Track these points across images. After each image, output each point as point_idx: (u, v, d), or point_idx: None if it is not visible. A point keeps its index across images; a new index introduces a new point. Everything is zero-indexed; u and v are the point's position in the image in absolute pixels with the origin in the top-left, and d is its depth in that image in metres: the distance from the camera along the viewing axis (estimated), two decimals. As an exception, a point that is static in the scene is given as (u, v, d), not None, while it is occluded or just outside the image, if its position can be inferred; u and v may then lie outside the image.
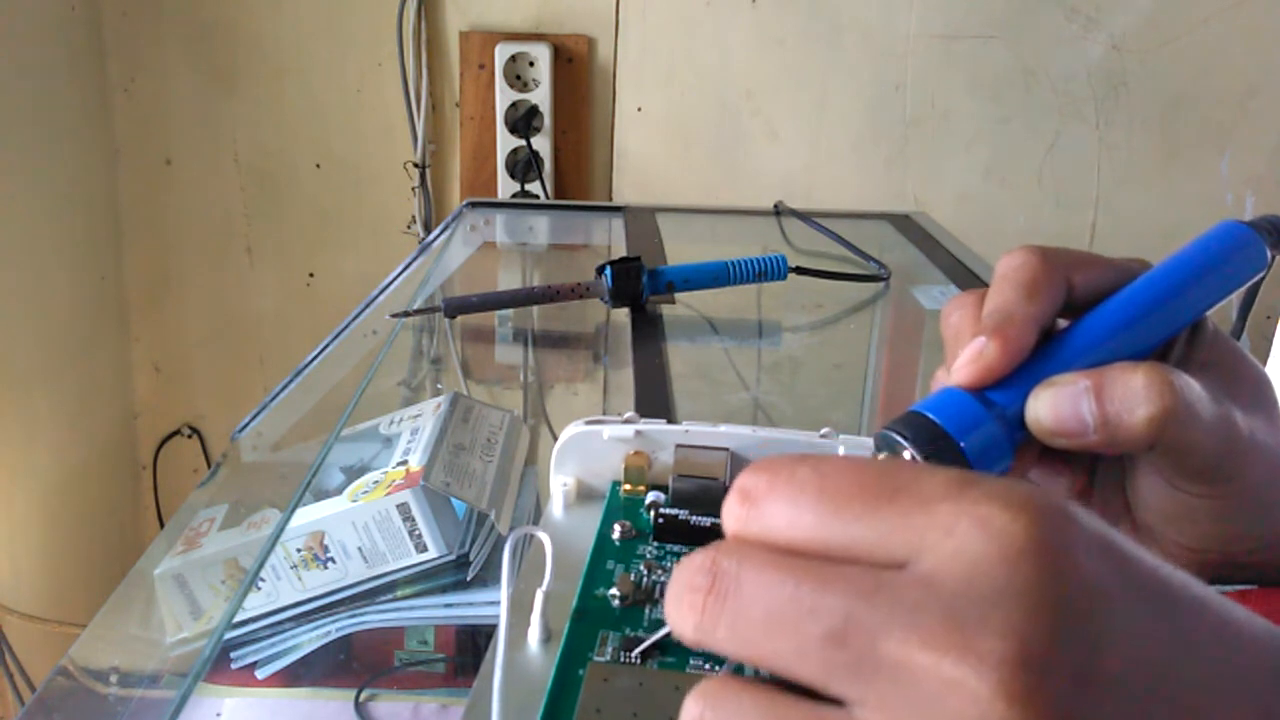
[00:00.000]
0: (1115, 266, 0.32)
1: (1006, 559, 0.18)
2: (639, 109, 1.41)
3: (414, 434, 0.70)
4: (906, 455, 0.28)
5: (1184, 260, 0.32)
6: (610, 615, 0.38)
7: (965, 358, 0.30)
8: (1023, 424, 0.29)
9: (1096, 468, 0.33)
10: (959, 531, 0.19)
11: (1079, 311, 0.32)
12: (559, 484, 0.47)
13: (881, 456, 0.29)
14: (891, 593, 0.19)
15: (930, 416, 0.29)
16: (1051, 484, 0.32)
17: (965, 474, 0.20)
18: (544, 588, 0.39)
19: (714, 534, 0.41)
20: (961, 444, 0.28)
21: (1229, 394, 0.30)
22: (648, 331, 0.79)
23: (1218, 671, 0.19)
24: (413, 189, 1.44)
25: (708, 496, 0.44)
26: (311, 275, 1.50)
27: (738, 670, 0.23)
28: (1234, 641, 0.20)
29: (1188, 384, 0.28)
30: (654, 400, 0.66)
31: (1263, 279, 0.34)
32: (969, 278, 0.94)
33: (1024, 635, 0.18)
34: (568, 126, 1.40)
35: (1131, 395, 0.28)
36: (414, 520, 0.64)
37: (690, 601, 0.20)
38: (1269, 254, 0.33)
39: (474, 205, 1.20)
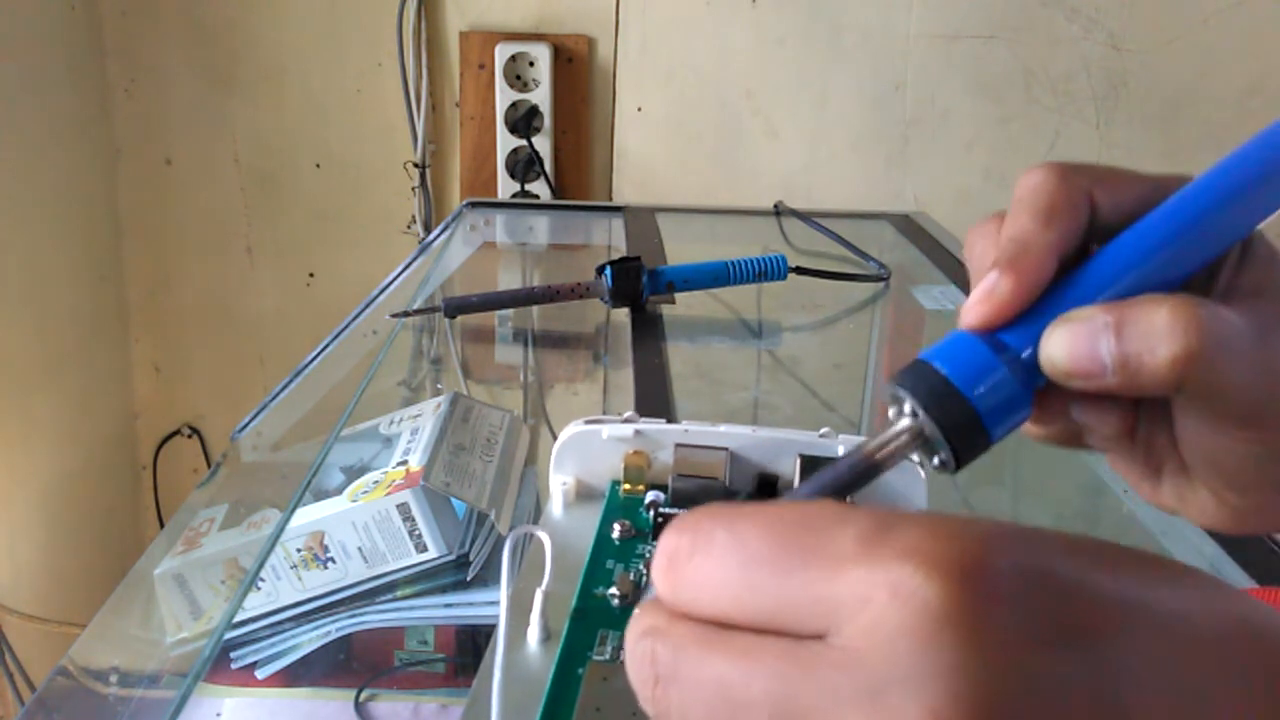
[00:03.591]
0: (1149, 181, 0.29)
1: (923, 633, 0.17)
2: (639, 109, 1.41)
3: (414, 434, 0.70)
4: (907, 408, 0.26)
5: (1227, 170, 0.28)
6: (610, 614, 0.38)
7: (975, 296, 0.27)
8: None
9: (1141, 403, 0.30)
10: (874, 602, 0.18)
11: (1109, 234, 0.28)
12: (559, 483, 0.47)
13: (891, 412, 0.27)
14: (815, 678, 0.18)
15: (936, 366, 0.26)
16: (1096, 424, 0.29)
17: (880, 523, 0.19)
18: (543, 587, 0.39)
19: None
20: (970, 397, 0.26)
21: None
22: (648, 331, 0.79)
23: (1178, 689, 0.19)
24: (413, 189, 1.44)
25: (707, 496, 0.44)
26: (311, 275, 1.50)
27: None
28: (1197, 651, 0.19)
29: (1219, 319, 0.25)
30: (654, 400, 0.66)
31: None
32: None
33: (956, 713, 0.17)
34: (568, 126, 1.40)
35: (1154, 333, 0.25)
36: (414, 520, 0.64)
37: (644, 695, 0.21)
38: None
39: (474, 205, 1.20)
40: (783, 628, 0.19)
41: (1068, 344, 0.26)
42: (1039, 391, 0.28)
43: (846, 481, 0.26)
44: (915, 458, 0.27)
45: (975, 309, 0.27)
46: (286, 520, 0.62)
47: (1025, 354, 0.27)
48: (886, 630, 0.18)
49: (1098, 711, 0.18)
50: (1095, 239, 0.29)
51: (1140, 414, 0.30)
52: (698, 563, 0.20)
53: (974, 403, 0.26)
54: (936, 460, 0.27)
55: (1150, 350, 0.25)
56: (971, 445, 0.26)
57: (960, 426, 0.26)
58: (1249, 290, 0.29)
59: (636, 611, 0.22)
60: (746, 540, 0.20)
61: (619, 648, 0.36)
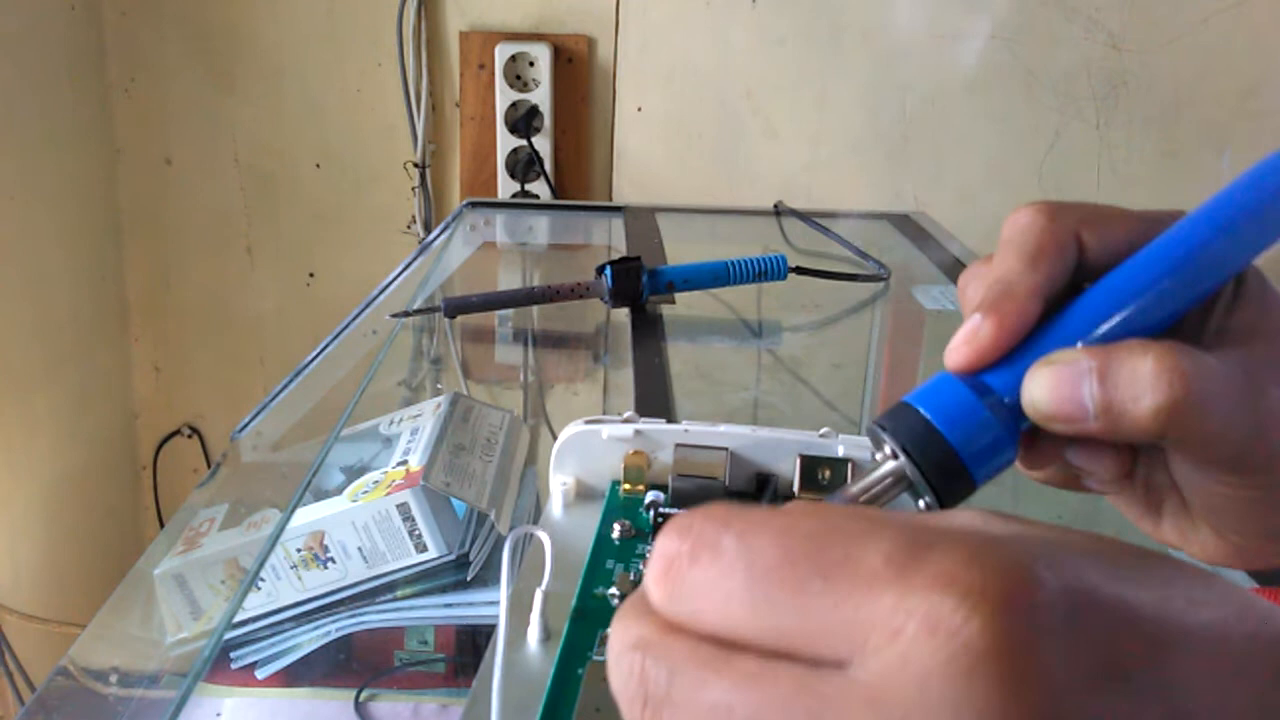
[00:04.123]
0: (1140, 218, 0.28)
1: (960, 672, 0.16)
2: (639, 109, 1.41)
3: (414, 434, 0.70)
4: (890, 450, 0.26)
5: (1220, 206, 0.28)
6: (610, 614, 0.38)
7: (958, 338, 0.27)
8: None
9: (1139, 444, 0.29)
10: (905, 634, 0.16)
11: (1099, 274, 0.28)
12: (559, 483, 0.47)
13: (876, 455, 0.27)
14: (835, 713, 0.17)
15: (919, 409, 0.26)
16: (1092, 467, 0.29)
17: (912, 541, 0.17)
18: (543, 587, 0.39)
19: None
20: (951, 440, 0.26)
21: (1275, 366, 0.27)
22: (648, 331, 0.79)
23: (1226, 711, 0.18)
24: (413, 189, 1.44)
25: (707, 496, 0.44)
26: (311, 275, 1.50)
27: None
28: (1240, 668, 0.18)
29: (1204, 368, 0.25)
30: (654, 400, 0.66)
31: None
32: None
33: None
34: (568, 126, 1.40)
35: (1137, 380, 0.25)
36: (414, 520, 0.64)
37: (631, 716, 0.19)
38: None
39: (474, 205, 1.20)
40: (795, 652, 0.18)
41: (1050, 387, 0.26)
42: (1032, 435, 0.27)
43: None
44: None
45: (958, 351, 0.27)
46: (286, 520, 0.62)
47: (1009, 397, 0.26)
48: (920, 667, 0.16)
49: None
50: (1086, 278, 0.28)
51: (1139, 452, 0.30)
52: (700, 571, 0.19)
53: (956, 446, 0.26)
54: (922, 504, 0.26)
55: (1134, 398, 0.25)
56: (954, 488, 0.26)
57: (942, 469, 0.26)
58: (1241, 331, 0.28)
59: (620, 614, 0.20)
60: (757, 549, 0.18)
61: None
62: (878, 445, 0.27)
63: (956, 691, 0.16)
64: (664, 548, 0.19)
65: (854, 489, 0.26)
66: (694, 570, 0.19)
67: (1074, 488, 0.30)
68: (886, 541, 0.18)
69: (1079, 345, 0.27)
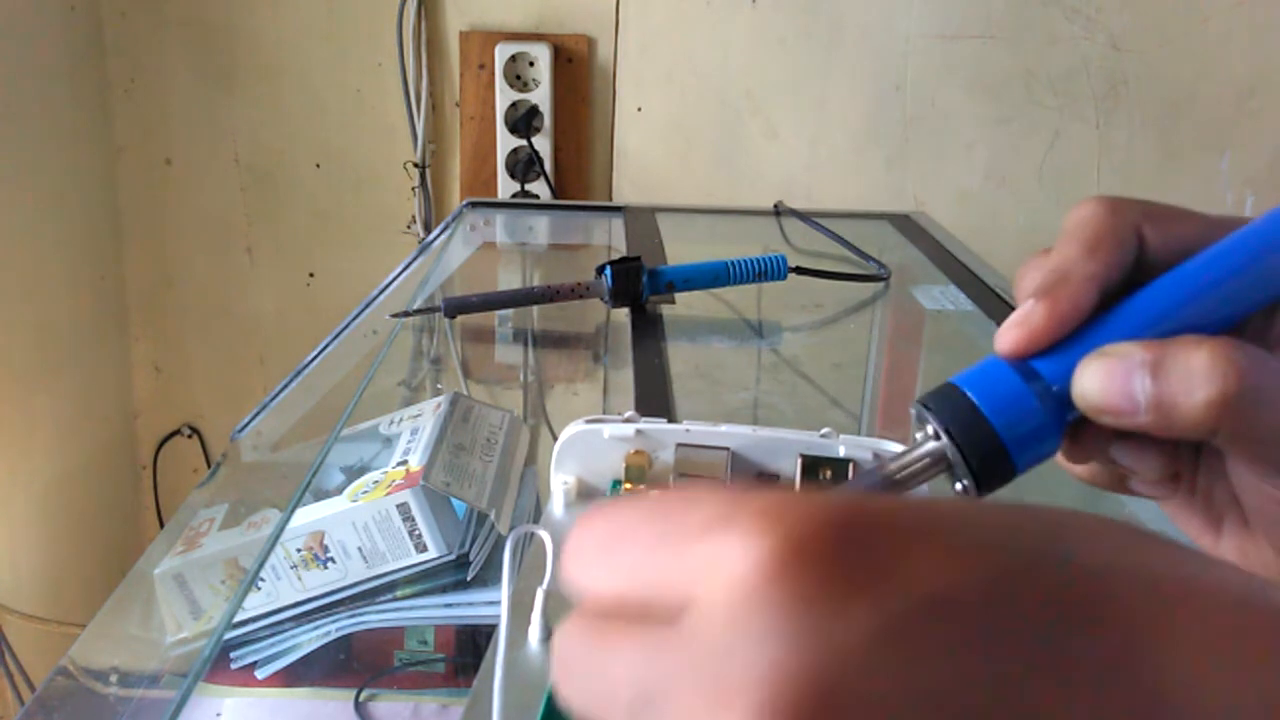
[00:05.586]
0: (1205, 220, 0.28)
1: (740, 603, 0.17)
2: (639, 109, 1.41)
3: (414, 434, 0.70)
4: (932, 430, 0.26)
5: None
6: (610, 615, 0.38)
7: (1010, 322, 0.27)
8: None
9: (1201, 450, 0.29)
10: (714, 573, 0.18)
11: (1158, 271, 0.27)
12: (560, 482, 0.47)
13: (917, 435, 0.27)
14: (662, 658, 0.18)
15: (964, 391, 0.26)
16: (1135, 465, 0.28)
17: (733, 500, 0.18)
18: (544, 586, 0.39)
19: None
20: (995, 425, 0.25)
21: None
22: (648, 331, 0.79)
23: (964, 625, 0.17)
24: (413, 189, 1.44)
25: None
26: (311, 275, 1.50)
27: None
28: (996, 578, 0.17)
29: (1260, 364, 0.25)
30: (654, 400, 0.66)
31: None
32: (969, 278, 0.94)
33: (773, 682, 0.16)
34: (568, 126, 1.40)
35: (1191, 374, 0.24)
36: (414, 520, 0.64)
37: (558, 691, 0.21)
38: None
39: (474, 205, 1.20)
40: (651, 609, 0.19)
41: (1102, 379, 0.25)
42: (1077, 426, 0.27)
43: None
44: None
45: (1008, 334, 0.27)
46: (286, 520, 0.62)
47: (1058, 385, 0.26)
48: (714, 604, 0.17)
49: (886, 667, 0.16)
50: (1145, 275, 0.28)
51: (1195, 458, 0.29)
52: (585, 550, 0.20)
53: (999, 431, 0.25)
54: (959, 486, 0.26)
55: (1186, 392, 0.25)
56: (995, 474, 0.26)
57: (984, 454, 0.26)
58: None
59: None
60: (616, 524, 0.20)
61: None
62: (921, 424, 0.27)
63: (738, 620, 0.17)
64: (569, 541, 0.21)
65: (892, 465, 0.26)
66: (581, 552, 0.20)
67: (1118, 489, 0.30)
68: (719, 501, 0.19)
69: (1136, 339, 0.26)
